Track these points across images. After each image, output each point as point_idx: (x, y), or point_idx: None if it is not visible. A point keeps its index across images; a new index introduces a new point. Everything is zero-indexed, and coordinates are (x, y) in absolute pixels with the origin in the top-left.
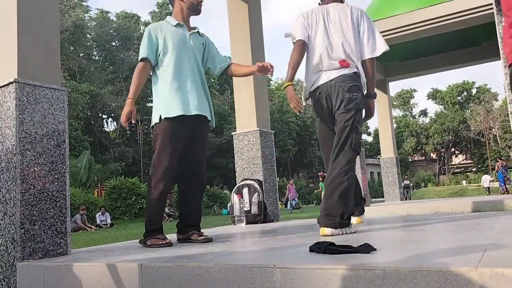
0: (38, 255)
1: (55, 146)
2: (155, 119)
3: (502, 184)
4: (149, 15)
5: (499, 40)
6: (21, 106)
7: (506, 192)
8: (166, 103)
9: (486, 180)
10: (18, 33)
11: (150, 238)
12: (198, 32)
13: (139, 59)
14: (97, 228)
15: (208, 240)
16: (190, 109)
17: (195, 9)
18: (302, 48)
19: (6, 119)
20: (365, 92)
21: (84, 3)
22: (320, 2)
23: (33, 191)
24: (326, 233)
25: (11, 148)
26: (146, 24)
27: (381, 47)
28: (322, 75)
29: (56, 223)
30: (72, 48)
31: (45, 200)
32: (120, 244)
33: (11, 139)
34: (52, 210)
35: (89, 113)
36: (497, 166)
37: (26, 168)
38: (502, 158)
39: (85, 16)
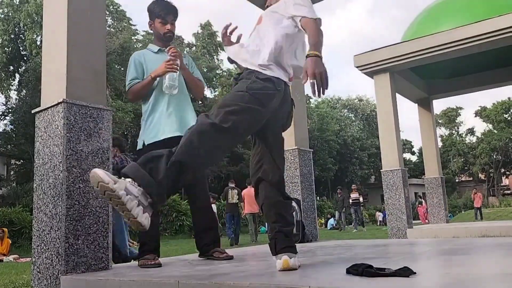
0: (80, 269)
1: (99, 164)
2: (139, 145)
3: None
4: (193, 36)
5: None
6: (68, 125)
7: None
8: (149, 130)
9: None
10: (67, 57)
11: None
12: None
13: (127, 85)
14: (138, 244)
15: (229, 258)
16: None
17: (164, 39)
18: None
19: (54, 137)
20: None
21: (132, 27)
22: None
23: (77, 207)
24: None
25: (58, 165)
26: (190, 45)
27: None
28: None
29: (99, 238)
30: (118, 67)
31: (89, 215)
32: (159, 261)
33: (59, 156)
34: (95, 225)
35: (133, 131)
36: None
37: (72, 184)
38: None
39: (131, 38)
